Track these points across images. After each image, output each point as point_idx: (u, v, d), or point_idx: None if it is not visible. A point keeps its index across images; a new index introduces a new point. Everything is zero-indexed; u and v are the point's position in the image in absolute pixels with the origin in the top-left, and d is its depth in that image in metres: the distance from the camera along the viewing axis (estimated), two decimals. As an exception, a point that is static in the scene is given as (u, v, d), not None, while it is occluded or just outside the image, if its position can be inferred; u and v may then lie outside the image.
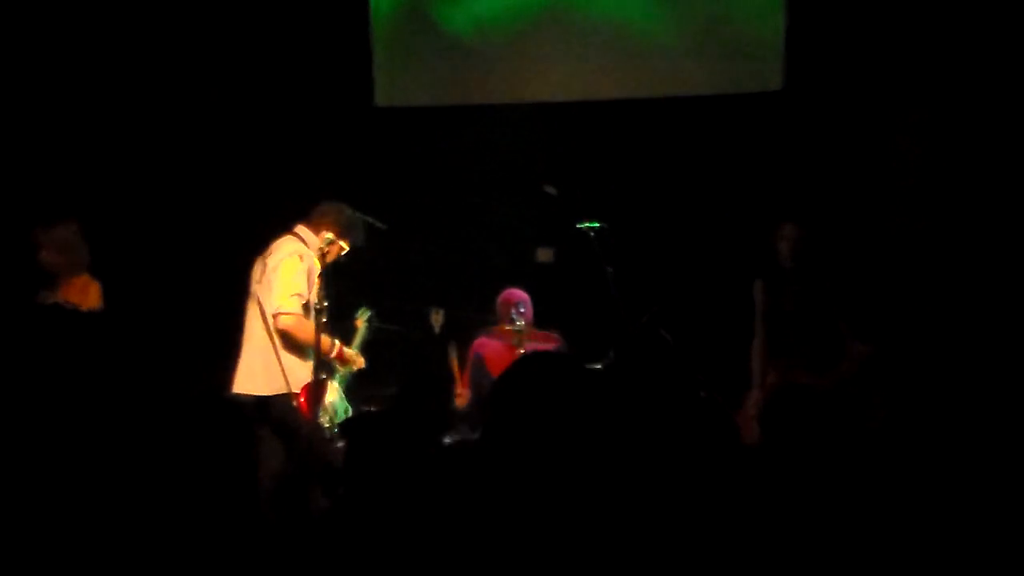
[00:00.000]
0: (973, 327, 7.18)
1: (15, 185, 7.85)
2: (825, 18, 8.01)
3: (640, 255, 7.79)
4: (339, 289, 6.38)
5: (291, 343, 6.06)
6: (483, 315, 7.38)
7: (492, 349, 7.32)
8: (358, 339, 6.64)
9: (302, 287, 6.05)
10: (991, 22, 7.57)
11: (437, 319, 6.90)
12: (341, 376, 6.42)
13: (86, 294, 6.25)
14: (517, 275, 7.61)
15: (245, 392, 6.13)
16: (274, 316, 6.06)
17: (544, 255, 8.42)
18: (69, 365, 3.15)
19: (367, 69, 8.52)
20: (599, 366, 6.94)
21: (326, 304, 6.07)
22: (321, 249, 6.21)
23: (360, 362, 6.51)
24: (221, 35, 8.33)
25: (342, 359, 6.32)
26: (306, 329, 6.05)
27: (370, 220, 6.61)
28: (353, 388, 6.50)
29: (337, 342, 6.28)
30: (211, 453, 2.80)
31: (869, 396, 6.22)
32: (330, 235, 6.25)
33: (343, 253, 6.35)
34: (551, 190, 7.22)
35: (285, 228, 6.36)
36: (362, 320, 6.70)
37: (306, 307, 6.08)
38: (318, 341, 5.96)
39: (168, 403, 2.91)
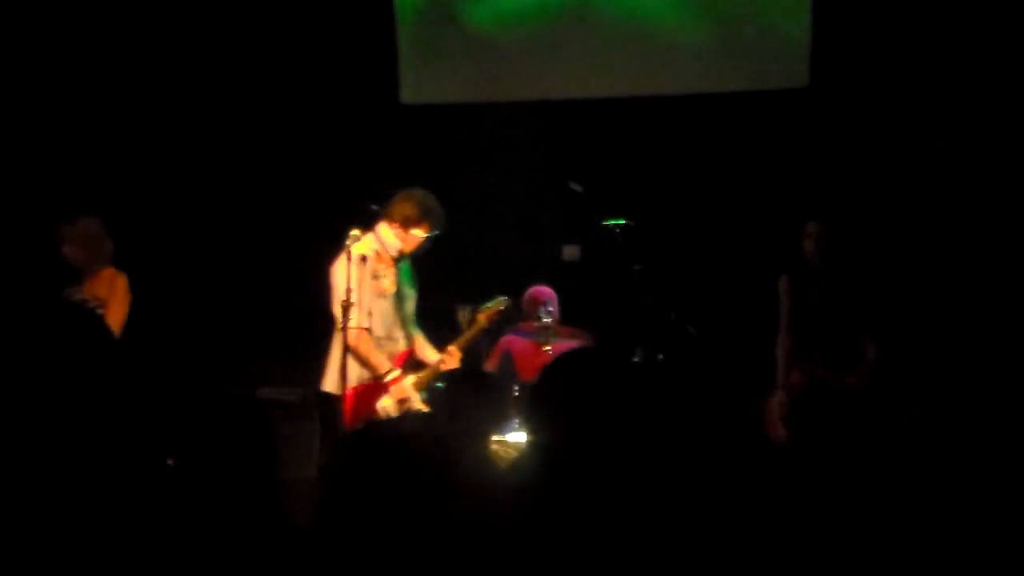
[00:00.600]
0: (1001, 324, 7.15)
1: (40, 180, 7.89)
2: (851, 14, 7.98)
3: (666, 252, 7.78)
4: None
5: (354, 355, 6.06)
6: (510, 313, 7.38)
7: (519, 347, 7.32)
8: (469, 334, 6.50)
9: (361, 295, 6.02)
10: (1018, 16, 7.54)
11: (464, 317, 6.88)
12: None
13: (113, 288, 6.26)
14: (543, 273, 7.62)
15: (326, 390, 6.15)
16: (344, 330, 6.07)
17: (570, 253, 8.42)
18: (90, 363, 3.14)
19: (393, 67, 8.53)
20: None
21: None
22: (396, 243, 6.21)
23: (451, 363, 6.38)
24: (248, 33, 8.36)
25: (393, 387, 6.20)
26: (365, 345, 6.06)
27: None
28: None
29: (397, 371, 6.21)
30: (232, 451, 2.80)
31: (899, 393, 6.20)
32: (411, 225, 6.24)
33: (422, 241, 6.30)
34: (577, 187, 7.22)
35: (367, 225, 6.32)
36: (487, 313, 6.51)
37: (369, 314, 6.09)
38: (345, 341, 5.93)
39: (189, 400, 2.91)
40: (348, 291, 5.92)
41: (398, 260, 6.32)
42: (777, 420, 6.36)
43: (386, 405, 6.16)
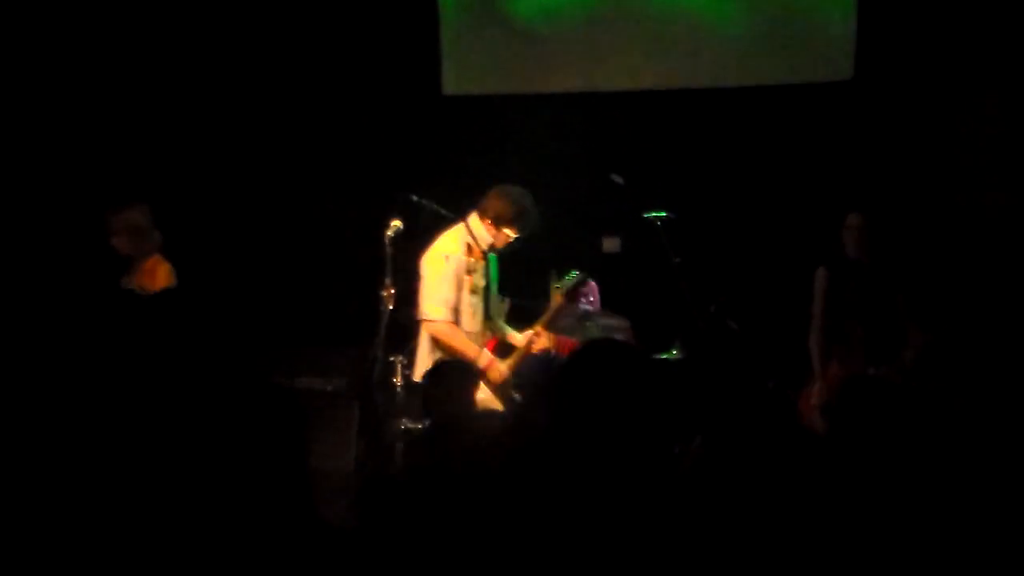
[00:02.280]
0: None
1: (89, 169, 7.95)
2: (896, 6, 7.92)
3: (708, 245, 7.76)
4: (405, 280, 6.37)
5: (442, 348, 6.05)
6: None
7: (560, 339, 7.31)
8: (550, 313, 6.36)
9: (447, 291, 6.01)
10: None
11: (503, 307, 6.87)
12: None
13: (154, 276, 6.27)
14: (584, 264, 7.59)
15: (419, 381, 6.13)
16: (422, 322, 6.07)
17: (610, 244, 8.41)
18: (138, 350, 3.15)
19: (435, 57, 8.54)
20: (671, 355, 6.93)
21: (392, 292, 6.08)
22: (486, 237, 6.20)
23: (542, 342, 6.29)
24: (293, 24, 8.39)
25: (489, 371, 6.10)
26: (455, 336, 6.02)
27: (436, 208, 6.60)
28: None
29: (490, 356, 6.14)
30: (264, 441, 2.79)
31: (940, 387, 6.15)
32: (502, 222, 6.17)
33: (512, 240, 6.23)
34: (618, 179, 7.19)
35: (458, 216, 6.29)
36: (562, 292, 6.34)
37: (456, 310, 6.06)
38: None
39: (222, 388, 2.91)
40: (385, 279, 5.96)
41: (486, 254, 6.29)
42: (815, 412, 6.32)
43: (481, 397, 6.09)
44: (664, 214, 6.95)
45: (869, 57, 7.98)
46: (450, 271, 6.03)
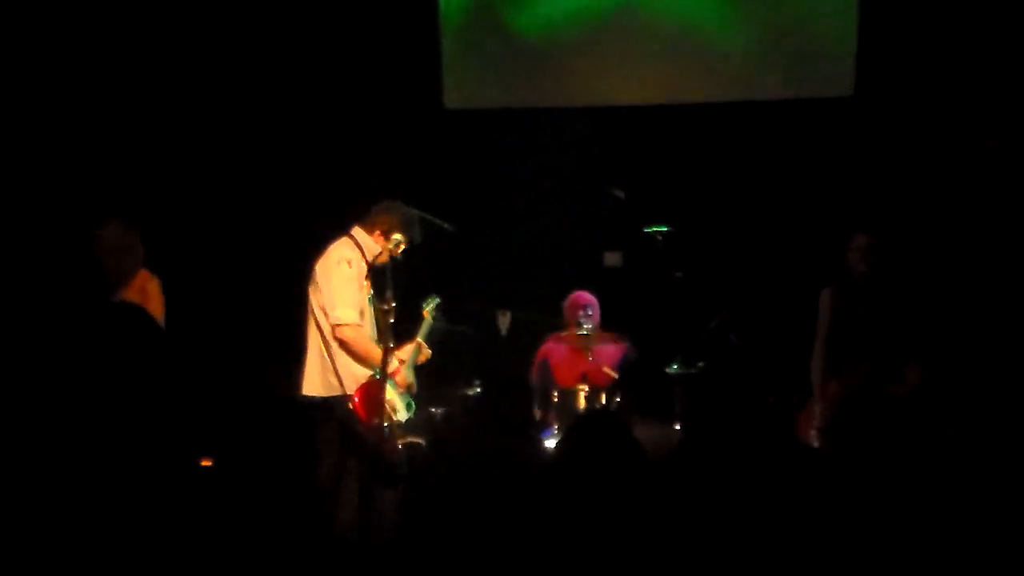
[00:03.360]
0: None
1: (73, 184, 7.91)
2: (897, 23, 7.94)
3: (709, 260, 7.76)
4: (407, 290, 6.37)
5: (350, 353, 6.07)
6: (551, 318, 7.38)
7: (559, 354, 7.31)
8: (424, 329, 6.48)
9: (354, 294, 6.05)
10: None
11: (504, 321, 6.88)
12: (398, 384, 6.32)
13: (145, 292, 6.15)
14: (585, 278, 7.62)
15: (310, 394, 6.14)
16: (333, 327, 6.06)
17: (612, 259, 8.41)
18: (134, 363, 3.14)
19: (437, 71, 8.55)
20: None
21: (393, 304, 6.07)
22: (374, 249, 6.21)
23: (425, 353, 6.40)
24: (291, 37, 8.39)
25: (396, 376, 6.17)
26: (365, 341, 6.05)
27: (437, 222, 6.61)
28: (423, 388, 6.43)
29: (396, 361, 6.19)
30: (271, 453, 2.80)
31: (942, 407, 6.15)
32: (392, 234, 6.23)
33: (400, 251, 6.28)
34: (619, 194, 7.21)
35: (342, 230, 6.32)
36: (429, 310, 6.57)
37: (360, 312, 6.09)
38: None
39: (229, 403, 2.91)
40: (385, 291, 5.98)
41: (372, 265, 6.30)
42: (811, 428, 6.32)
43: (391, 398, 6.13)
44: (665, 228, 6.96)
45: (870, 73, 7.99)
46: (353, 275, 6.07)
